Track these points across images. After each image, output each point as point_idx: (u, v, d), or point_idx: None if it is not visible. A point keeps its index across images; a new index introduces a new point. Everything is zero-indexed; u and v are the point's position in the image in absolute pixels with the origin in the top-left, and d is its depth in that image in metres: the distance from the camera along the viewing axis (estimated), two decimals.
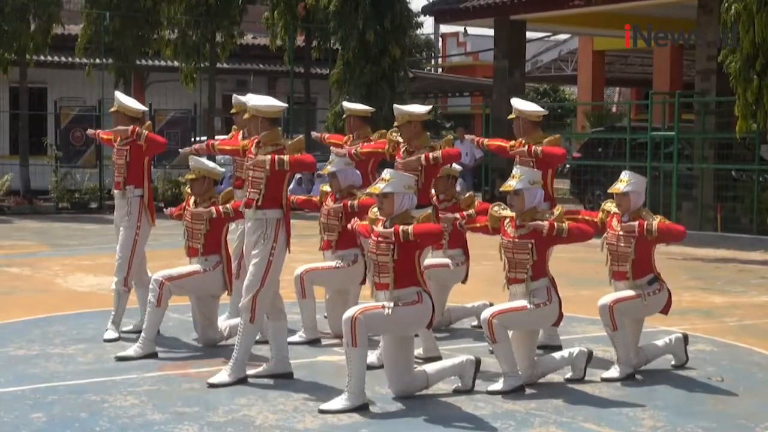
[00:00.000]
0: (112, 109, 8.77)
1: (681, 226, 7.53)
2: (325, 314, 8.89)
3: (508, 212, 7.10)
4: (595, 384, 7.18)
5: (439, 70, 44.48)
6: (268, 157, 6.89)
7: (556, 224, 6.84)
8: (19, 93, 23.03)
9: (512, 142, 8.39)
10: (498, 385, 6.87)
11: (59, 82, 25.67)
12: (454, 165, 8.51)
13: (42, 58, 23.42)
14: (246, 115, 7.37)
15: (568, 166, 23.42)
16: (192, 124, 23.49)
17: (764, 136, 16.67)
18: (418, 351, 7.53)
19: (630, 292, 7.36)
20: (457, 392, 6.87)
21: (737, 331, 9.43)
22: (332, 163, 8.45)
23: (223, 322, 8.43)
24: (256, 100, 7.25)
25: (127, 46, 23.69)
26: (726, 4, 14.91)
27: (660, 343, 7.73)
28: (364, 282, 8.55)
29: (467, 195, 8.52)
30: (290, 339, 7.85)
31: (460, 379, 6.92)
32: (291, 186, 7.56)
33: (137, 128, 8.48)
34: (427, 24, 53.15)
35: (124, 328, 8.66)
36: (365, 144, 8.53)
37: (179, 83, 24.40)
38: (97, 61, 23.63)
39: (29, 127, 23.08)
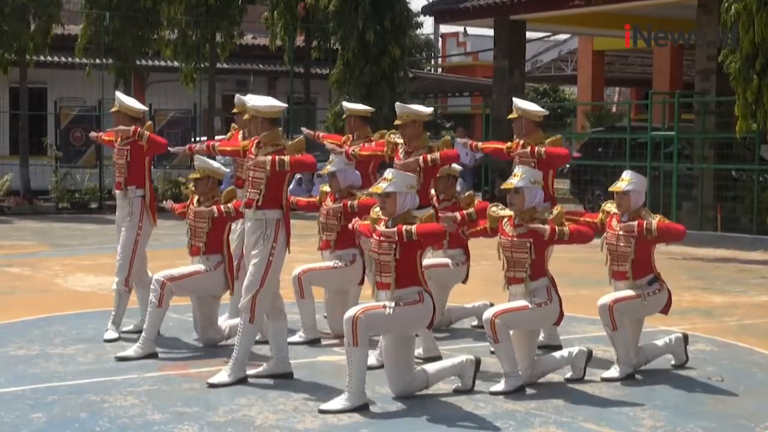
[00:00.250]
0: (113, 109, 8.77)
1: (681, 226, 7.52)
2: (325, 314, 8.90)
3: (506, 212, 7.11)
4: (595, 384, 7.18)
5: (439, 70, 44.48)
6: (269, 158, 6.89)
7: (557, 228, 6.84)
8: (19, 93, 23.02)
9: (509, 144, 8.39)
10: (499, 386, 6.87)
11: (59, 83, 25.67)
12: (454, 165, 8.51)
13: (42, 58, 23.41)
14: (246, 116, 7.37)
15: (567, 166, 23.43)
16: (192, 124, 23.50)
17: (764, 136, 16.67)
18: (418, 351, 7.53)
19: (630, 292, 7.36)
20: (457, 392, 6.87)
21: (737, 330, 9.43)
22: (332, 163, 8.45)
23: (224, 322, 8.43)
24: (256, 100, 7.26)
25: (127, 47, 23.69)
26: (726, 4, 14.91)
27: (660, 342, 7.73)
28: (362, 282, 8.56)
29: (467, 194, 8.52)
30: (290, 339, 7.85)
31: (460, 379, 6.93)
32: (291, 186, 7.55)
33: (139, 128, 8.49)
34: (427, 24, 53.23)
35: (125, 328, 8.66)
36: (365, 145, 8.51)
37: (179, 83, 24.41)
38: (97, 61, 23.63)
39: (29, 128, 23.08)
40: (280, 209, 7.02)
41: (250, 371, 7.18)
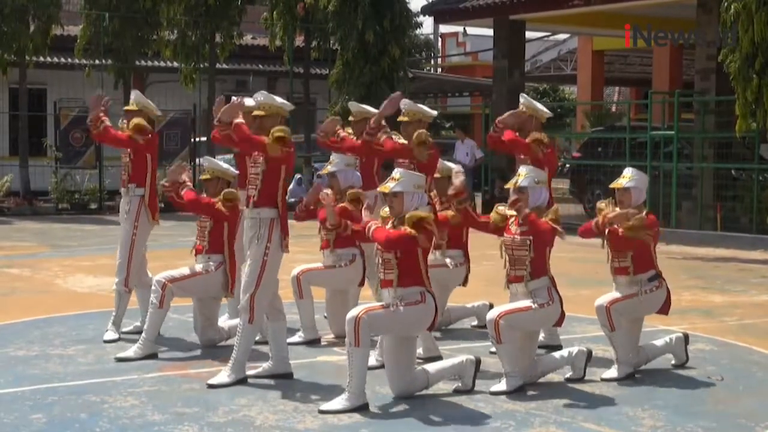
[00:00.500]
0: (129, 107, 8.75)
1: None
2: (325, 314, 8.90)
3: (512, 211, 7.11)
4: (595, 384, 7.18)
5: (439, 70, 44.47)
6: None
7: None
8: (19, 94, 23.04)
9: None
10: (501, 386, 6.86)
11: (59, 83, 25.68)
12: (455, 165, 8.51)
13: (41, 59, 23.42)
14: (262, 112, 7.22)
15: (567, 165, 23.44)
16: (191, 124, 23.50)
17: (764, 135, 16.67)
18: (418, 351, 7.53)
19: (628, 291, 7.34)
20: (457, 392, 6.87)
21: (737, 330, 9.43)
22: (332, 163, 8.44)
23: (224, 323, 8.43)
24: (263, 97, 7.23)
25: (126, 47, 23.69)
26: (725, 4, 14.91)
27: (660, 342, 7.73)
28: (362, 284, 8.56)
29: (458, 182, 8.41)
30: (290, 339, 7.84)
31: (460, 379, 6.92)
32: (291, 186, 7.51)
33: (101, 116, 8.45)
34: (427, 24, 53.17)
35: (125, 329, 8.66)
36: (390, 140, 8.21)
37: (179, 84, 24.42)
38: (97, 62, 23.63)
39: (29, 128, 23.10)
40: (275, 208, 6.99)
41: (250, 371, 7.18)
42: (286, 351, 7.28)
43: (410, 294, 6.54)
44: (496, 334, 6.81)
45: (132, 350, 7.85)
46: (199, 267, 8.12)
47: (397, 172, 6.72)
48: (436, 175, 8.06)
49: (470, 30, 37.88)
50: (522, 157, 8.10)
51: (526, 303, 6.92)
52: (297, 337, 8.36)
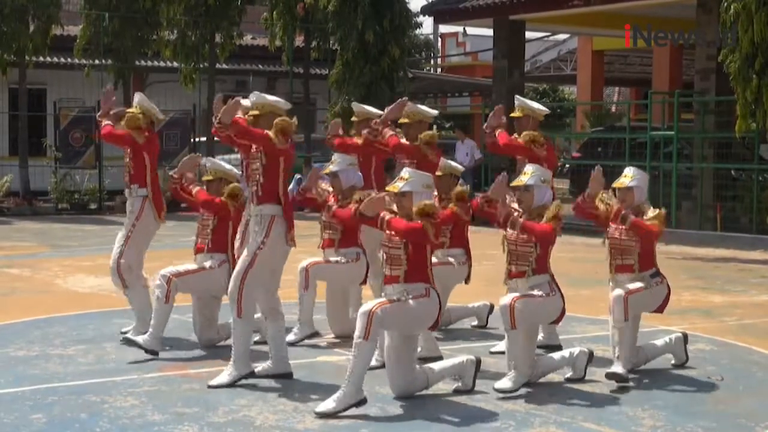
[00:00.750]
0: (131, 110, 8.75)
1: (654, 228, 7.35)
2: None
3: (515, 206, 7.13)
4: (595, 384, 7.18)
5: (439, 70, 44.47)
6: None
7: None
8: (19, 94, 23.05)
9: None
10: (505, 383, 6.82)
11: (58, 83, 25.68)
12: (455, 165, 8.51)
13: (41, 59, 23.42)
14: (256, 111, 7.22)
15: (567, 165, 23.44)
16: (191, 124, 23.50)
17: (764, 136, 16.68)
18: (419, 351, 7.52)
19: (638, 284, 7.31)
20: (457, 392, 6.87)
21: (737, 330, 9.43)
22: (334, 162, 8.44)
23: (226, 323, 8.42)
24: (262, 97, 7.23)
25: (126, 47, 23.70)
26: (725, 4, 14.92)
27: (660, 342, 7.73)
28: (365, 282, 8.56)
29: (461, 189, 8.43)
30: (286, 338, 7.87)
31: (461, 379, 6.92)
32: (291, 186, 7.50)
33: (108, 113, 8.55)
34: (427, 24, 53.21)
35: (124, 329, 8.65)
36: (395, 137, 8.21)
37: (178, 84, 24.42)
38: (97, 62, 23.63)
39: (29, 128, 23.11)
40: (278, 204, 6.99)
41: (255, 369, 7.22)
42: (286, 351, 7.28)
43: (416, 289, 6.54)
44: (510, 318, 6.78)
45: (141, 337, 7.82)
46: (202, 264, 8.11)
47: (405, 172, 6.73)
48: (438, 173, 8.07)
49: (470, 30, 37.89)
50: (520, 158, 8.11)
51: (533, 293, 6.91)
52: (292, 335, 8.35)
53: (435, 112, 8.23)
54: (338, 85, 21.60)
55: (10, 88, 24.26)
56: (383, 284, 6.74)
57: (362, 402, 6.36)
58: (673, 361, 7.77)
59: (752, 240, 16.41)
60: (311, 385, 7.03)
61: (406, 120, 7.98)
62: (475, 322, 9.31)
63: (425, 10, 25.46)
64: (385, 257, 6.65)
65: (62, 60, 25.33)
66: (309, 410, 6.41)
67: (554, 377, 7.25)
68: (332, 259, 8.50)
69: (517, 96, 8.55)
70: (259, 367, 7.23)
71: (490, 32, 24.08)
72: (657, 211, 7.30)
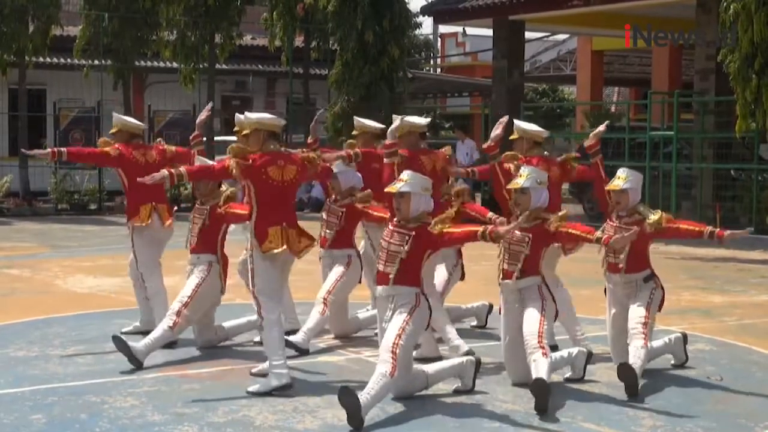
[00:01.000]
0: (112, 130, 8.83)
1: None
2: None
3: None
4: (595, 384, 7.18)
5: (438, 70, 44.44)
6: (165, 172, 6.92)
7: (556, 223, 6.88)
8: (18, 94, 23.04)
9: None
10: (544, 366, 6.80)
11: (58, 84, 25.69)
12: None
13: (41, 59, 23.40)
14: (245, 131, 7.23)
15: None
16: (191, 125, 23.47)
17: (763, 136, 16.69)
18: (418, 351, 7.53)
19: (641, 307, 7.25)
20: (457, 392, 6.87)
21: (736, 330, 9.43)
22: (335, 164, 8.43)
23: (226, 323, 8.42)
24: (254, 114, 7.26)
25: (126, 47, 23.70)
26: (725, 4, 14.93)
27: (659, 342, 7.72)
28: (359, 281, 8.59)
29: (460, 187, 8.43)
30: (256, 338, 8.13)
31: (460, 379, 6.93)
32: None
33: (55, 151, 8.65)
34: (426, 24, 53.13)
35: (124, 329, 8.65)
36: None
37: (178, 84, 24.41)
38: (96, 62, 23.63)
39: (28, 129, 23.09)
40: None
41: (252, 370, 7.22)
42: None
43: (405, 294, 6.53)
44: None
45: (143, 342, 7.69)
46: (194, 280, 8.00)
47: (405, 174, 6.72)
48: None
49: (470, 30, 37.90)
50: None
51: (536, 314, 6.86)
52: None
53: (424, 121, 8.10)
54: (338, 85, 21.60)
55: (10, 88, 24.26)
56: (375, 281, 6.72)
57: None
58: (672, 362, 7.77)
59: (752, 240, 16.39)
60: (311, 386, 7.03)
61: (397, 133, 7.88)
62: (475, 323, 9.32)
63: (425, 11, 25.47)
64: (381, 252, 6.64)
65: (62, 60, 25.33)
66: (309, 410, 6.41)
67: (554, 377, 7.24)
68: (325, 261, 8.52)
69: (516, 120, 8.57)
70: (259, 367, 7.24)
71: (489, 32, 24.10)
72: (659, 212, 7.27)
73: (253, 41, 28.71)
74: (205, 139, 9.39)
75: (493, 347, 8.03)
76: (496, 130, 7.62)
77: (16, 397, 6.71)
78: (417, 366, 6.83)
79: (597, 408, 6.60)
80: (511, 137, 8.29)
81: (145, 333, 8.10)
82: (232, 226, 8.32)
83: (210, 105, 8.53)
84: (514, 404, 6.64)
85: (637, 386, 6.84)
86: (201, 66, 23.87)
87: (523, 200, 6.98)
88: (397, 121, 7.49)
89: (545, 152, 8.27)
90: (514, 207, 7.08)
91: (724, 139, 18.19)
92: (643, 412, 6.51)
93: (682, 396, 6.96)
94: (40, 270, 12.95)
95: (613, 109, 32.80)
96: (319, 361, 7.83)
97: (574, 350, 7.28)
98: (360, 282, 8.62)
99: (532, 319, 6.84)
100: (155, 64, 26.75)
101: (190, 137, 8.39)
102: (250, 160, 6.92)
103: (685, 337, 7.86)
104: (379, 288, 6.63)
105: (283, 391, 6.75)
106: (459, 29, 39.61)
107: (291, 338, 7.87)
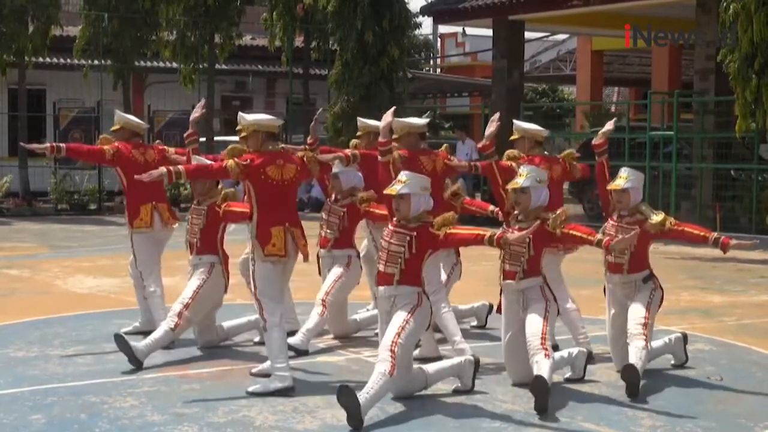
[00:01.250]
0: (113, 128, 8.82)
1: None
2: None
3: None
4: (595, 384, 7.18)
5: (438, 70, 44.44)
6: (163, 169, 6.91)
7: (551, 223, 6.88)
8: (18, 94, 23.05)
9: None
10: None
11: (58, 84, 25.69)
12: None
13: (41, 59, 23.41)
14: (244, 132, 7.22)
15: None
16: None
17: (763, 136, 16.69)
18: (418, 351, 7.53)
19: (642, 307, 7.24)
20: (456, 392, 6.87)
21: (736, 330, 9.43)
22: (334, 164, 8.43)
23: (225, 323, 8.42)
24: (252, 116, 7.26)
25: (125, 48, 23.70)
26: (724, 4, 14.93)
27: (659, 342, 7.71)
28: (358, 282, 8.59)
29: (455, 186, 8.43)
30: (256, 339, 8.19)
31: (460, 379, 6.92)
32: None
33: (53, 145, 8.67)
34: (426, 24, 53.12)
35: (124, 329, 8.64)
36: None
37: (178, 84, 24.42)
38: (96, 62, 23.63)
39: (28, 129, 23.09)
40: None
41: (253, 370, 7.23)
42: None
43: (407, 294, 6.53)
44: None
45: (143, 342, 7.67)
46: (196, 281, 7.99)
47: (403, 175, 6.71)
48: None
49: (469, 30, 37.88)
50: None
51: (539, 318, 6.86)
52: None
53: (423, 121, 8.11)
54: (338, 85, 21.61)
55: (10, 88, 24.27)
56: (376, 281, 6.73)
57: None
58: (672, 362, 7.77)
59: (751, 240, 16.39)
60: (311, 386, 7.03)
61: (395, 135, 7.86)
62: (475, 323, 9.31)
63: (424, 11, 25.47)
64: (382, 252, 6.64)
65: (62, 60, 25.33)
66: (308, 411, 6.41)
67: (554, 377, 7.24)
68: (326, 261, 8.52)
69: (515, 120, 8.58)
70: (259, 367, 7.24)
71: (489, 32, 24.09)
72: (662, 214, 7.26)
73: (253, 41, 28.71)
74: (204, 139, 9.38)
75: (492, 347, 8.03)
76: (490, 128, 7.61)
77: (15, 397, 6.71)
78: (416, 366, 6.83)
79: (597, 408, 6.60)
80: (512, 138, 8.30)
81: (146, 333, 8.11)
82: (233, 226, 8.33)
83: (202, 102, 8.50)
84: (514, 404, 6.64)
85: (639, 387, 6.84)
86: (201, 66, 23.88)
87: (523, 200, 6.98)
88: (387, 118, 7.36)
89: (545, 152, 8.29)
90: (514, 207, 7.07)
91: (724, 139, 18.19)
92: (642, 412, 6.51)
93: (682, 396, 6.96)
94: (39, 270, 12.95)
95: (612, 109, 32.81)
96: (318, 362, 7.83)
97: (574, 350, 7.28)
98: (358, 282, 8.62)
99: (535, 320, 6.83)
100: (155, 64, 26.75)
101: (185, 135, 8.33)
102: (248, 160, 6.93)
103: (685, 337, 7.86)
104: (381, 288, 6.63)
105: (285, 393, 6.75)
106: (459, 29, 39.60)
107: (290, 340, 7.85)
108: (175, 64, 24.78)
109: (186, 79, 24.09)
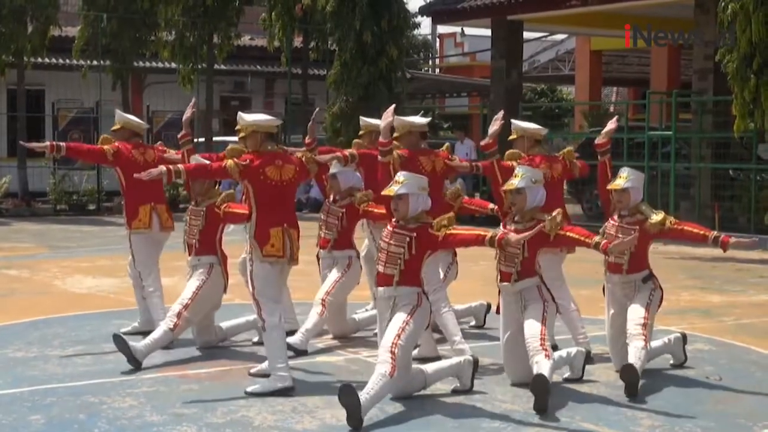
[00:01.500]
0: (114, 127, 8.83)
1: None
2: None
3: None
4: (594, 384, 7.18)
5: (437, 70, 44.44)
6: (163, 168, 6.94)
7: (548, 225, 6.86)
8: (17, 95, 23.04)
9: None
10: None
11: (57, 84, 25.68)
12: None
13: (39, 60, 23.39)
14: (242, 133, 7.22)
15: None
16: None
17: (762, 135, 16.69)
18: (417, 351, 7.53)
19: (641, 307, 7.24)
20: (455, 392, 6.87)
21: (735, 330, 9.43)
22: (332, 164, 8.43)
23: (224, 323, 8.42)
24: (251, 116, 7.26)
25: (124, 48, 23.70)
26: (723, 4, 14.92)
27: (658, 342, 7.72)
28: (358, 282, 8.59)
29: (454, 188, 8.44)
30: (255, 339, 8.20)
31: (459, 379, 6.92)
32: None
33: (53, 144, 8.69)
34: (425, 24, 53.17)
35: (123, 329, 8.64)
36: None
37: (177, 85, 24.40)
38: (95, 62, 23.62)
39: (27, 129, 23.07)
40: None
41: (251, 370, 7.22)
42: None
43: (407, 294, 6.53)
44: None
45: (142, 343, 7.67)
46: (195, 282, 7.98)
47: (401, 176, 6.71)
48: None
49: (468, 30, 37.83)
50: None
51: (538, 316, 6.86)
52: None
53: (423, 120, 8.10)
54: (336, 85, 21.60)
55: (9, 89, 24.27)
56: (375, 282, 6.72)
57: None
58: (671, 361, 7.77)
59: (750, 239, 16.40)
60: (310, 386, 7.02)
61: (396, 134, 7.85)
62: (473, 323, 9.31)
63: (423, 11, 25.45)
64: (381, 253, 6.63)
65: (60, 61, 25.33)
66: (307, 411, 6.41)
67: (553, 377, 7.24)
68: (326, 262, 8.52)
69: (513, 120, 8.58)
70: (258, 367, 7.24)
71: (488, 32, 24.09)
72: (662, 213, 7.26)
73: (252, 42, 28.71)
74: (204, 139, 9.39)
75: (491, 347, 8.03)
76: (493, 127, 7.61)
77: (14, 397, 6.70)
78: (415, 366, 6.83)
79: (596, 408, 6.60)
80: (511, 137, 8.29)
81: (145, 333, 8.11)
82: (231, 227, 8.33)
83: (193, 101, 8.49)
84: (513, 404, 6.64)
85: (638, 387, 6.84)
86: (199, 66, 23.87)
87: (518, 200, 6.97)
88: (387, 117, 7.34)
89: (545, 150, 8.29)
90: (511, 207, 7.07)
91: (722, 139, 18.18)
92: (641, 412, 6.51)
93: (681, 396, 6.96)
94: (38, 270, 12.94)
95: (611, 109, 32.81)
96: (317, 362, 7.83)
97: (573, 350, 7.28)
98: (358, 282, 8.62)
99: (533, 321, 6.83)
100: (154, 64, 26.74)
101: (179, 136, 8.29)
102: (247, 160, 6.93)
103: (684, 337, 7.86)
104: (380, 289, 6.62)
105: (285, 393, 6.75)
106: (457, 29, 39.56)
107: (289, 340, 7.85)
108: (173, 65, 24.77)
109: (185, 79, 24.08)
